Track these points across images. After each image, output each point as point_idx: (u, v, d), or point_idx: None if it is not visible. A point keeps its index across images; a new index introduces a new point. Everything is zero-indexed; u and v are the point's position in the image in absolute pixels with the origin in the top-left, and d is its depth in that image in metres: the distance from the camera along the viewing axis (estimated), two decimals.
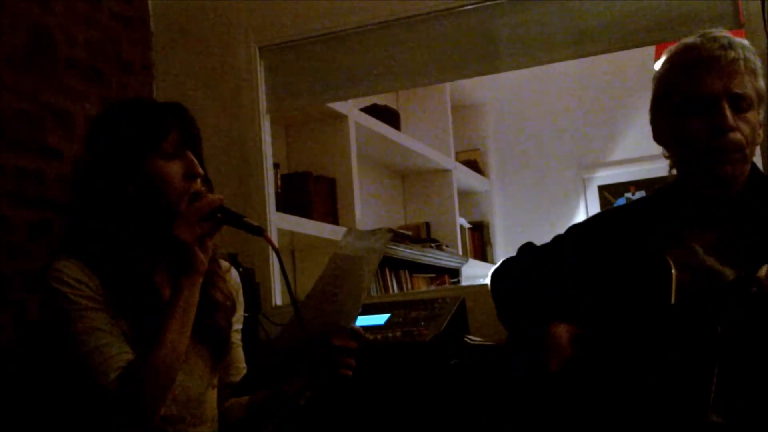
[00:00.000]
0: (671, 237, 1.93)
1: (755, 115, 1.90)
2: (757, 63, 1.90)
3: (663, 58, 2.00)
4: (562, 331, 1.91)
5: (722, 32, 1.95)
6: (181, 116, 1.88)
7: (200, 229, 1.76)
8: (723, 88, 1.87)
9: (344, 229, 4.03)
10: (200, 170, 1.84)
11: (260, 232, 1.77)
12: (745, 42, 1.92)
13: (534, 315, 2.00)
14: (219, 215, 1.78)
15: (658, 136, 2.01)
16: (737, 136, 1.86)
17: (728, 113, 1.86)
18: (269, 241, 1.78)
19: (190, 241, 1.74)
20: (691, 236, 1.92)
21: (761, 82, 1.90)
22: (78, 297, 1.76)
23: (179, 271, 1.76)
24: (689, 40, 1.95)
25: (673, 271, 1.79)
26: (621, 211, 2.17)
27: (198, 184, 1.84)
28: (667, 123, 1.96)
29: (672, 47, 1.98)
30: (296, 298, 1.76)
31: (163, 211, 1.79)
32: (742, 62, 1.87)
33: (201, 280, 1.77)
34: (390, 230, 4.32)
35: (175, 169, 1.82)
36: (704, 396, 1.66)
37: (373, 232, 1.87)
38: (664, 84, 1.98)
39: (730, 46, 1.89)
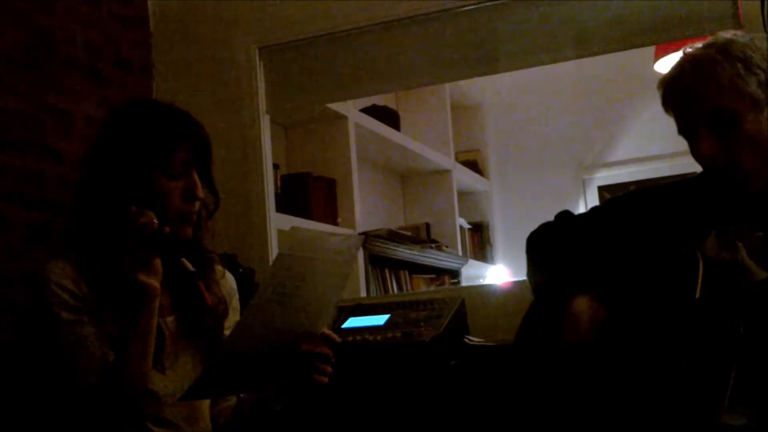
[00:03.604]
0: (717, 229, 1.87)
1: (755, 120, 1.81)
2: (731, 70, 1.80)
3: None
4: (583, 304, 1.87)
5: (696, 47, 1.88)
6: (192, 132, 1.88)
7: (139, 255, 1.76)
8: (691, 115, 1.85)
9: (345, 230, 4.05)
10: (200, 193, 1.85)
11: (194, 278, 1.82)
12: (710, 54, 1.84)
13: (559, 284, 1.97)
14: (156, 244, 1.77)
15: None
16: (724, 160, 1.82)
17: (703, 140, 1.82)
18: (204, 294, 1.81)
19: (133, 270, 1.75)
20: (739, 234, 1.85)
21: (751, 84, 1.80)
22: (61, 308, 1.77)
23: (136, 298, 1.77)
24: (666, 72, 1.92)
25: (701, 264, 1.75)
26: (666, 190, 2.08)
27: (196, 206, 1.86)
28: None
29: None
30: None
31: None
32: (700, 84, 1.82)
33: (156, 301, 1.78)
34: (386, 234, 4.32)
35: (176, 188, 1.83)
36: (719, 395, 1.64)
37: (332, 233, 1.85)
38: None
39: (687, 70, 1.85)
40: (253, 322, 1.68)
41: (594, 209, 2.20)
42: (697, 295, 1.73)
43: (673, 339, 1.73)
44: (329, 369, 1.82)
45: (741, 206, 1.88)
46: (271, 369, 1.80)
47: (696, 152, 1.87)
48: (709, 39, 1.89)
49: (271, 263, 1.68)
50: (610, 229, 2.05)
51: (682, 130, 1.91)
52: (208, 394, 1.92)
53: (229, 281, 2.06)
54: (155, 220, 1.77)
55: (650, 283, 1.83)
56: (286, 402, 1.90)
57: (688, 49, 1.90)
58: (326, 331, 1.82)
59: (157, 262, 1.78)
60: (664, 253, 1.86)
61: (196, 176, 1.86)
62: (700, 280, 1.74)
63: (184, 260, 1.80)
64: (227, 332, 2.00)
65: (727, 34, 1.89)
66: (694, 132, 1.85)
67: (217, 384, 1.77)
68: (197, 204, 1.86)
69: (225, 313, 1.99)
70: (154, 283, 1.77)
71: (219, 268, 2.01)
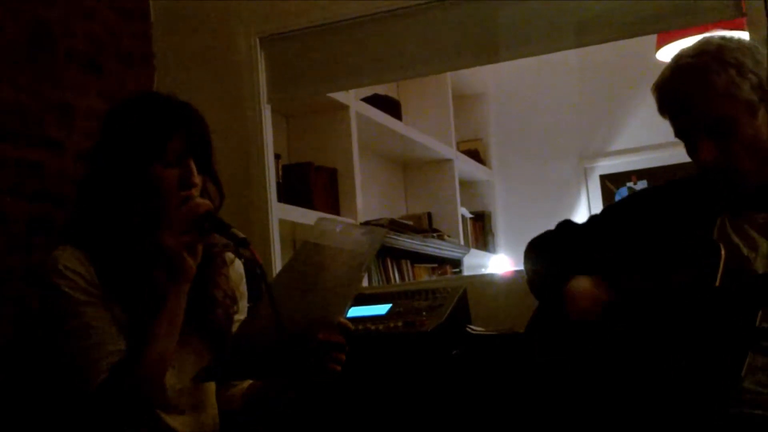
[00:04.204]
0: (721, 216, 1.92)
1: (751, 124, 1.85)
2: (725, 77, 1.83)
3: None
4: (584, 281, 1.92)
5: (687, 53, 1.91)
6: (187, 121, 1.88)
7: (188, 236, 1.77)
8: (689, 123, 1.88)
9: (345, 219, 4.05)
10: (196, 180, 1.85)
11: (246, 244, 1.77)
12: (704, 61, 1.86)
13: (558, 272, 2.02)
14: (206, 224, 1.79)
15: None
16: (723, 163, 1.86)
17: (702, 147, 1.86)
18: (254, 255, 1.76)
19: (176, 247, 1.76)
20: (743, 215, 1.91)
21: (744, 89, 1.84)
22: (73, 290, 1.77)
23: (168, 276, 1.77)
24: (662, 73, 1.95)
25: (723, 252, 1.78)
26: (662, 190, 2.13)
27: (194, 192, 1.85)
28: None
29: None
30: (277, 309, 1.71)
31: (155, 215, 1.80)
32: (701, 88, 1.85)
33: (188, 286, 1.79)
34: (388, 223, 4.33)
35: (172, 176, 1.83)
36: (732, 382, 1.67)
37: (357, 225, 1.86)
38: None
39: (683, 78, 1.88)
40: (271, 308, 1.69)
41: (593, 217, 2.22)
42: (718, 283, 1.76)
43: (689, 327, 1.75)
44: (343, 357, 1.84)
45: (742, 200, 1.91)
46: (286, 356, 1.81)
47: (695, 157, 1.91)
48: (700, 44, 1.92)
49: (294, 251, 1.70)
50: (612, 230, 2.08)
51: (679, 135, 1.94)
52: (223, 377, 1.93)
53: (236, 268, 2.08)
54: (210, 203, 1.80)
55: (667, 270, 1.85)
56: (295, 389, 1.91)
57: (681, 56, 1.93)
58: (342, 320, 1.83)
59: (200, 247, 1.80)
60: (681, 243, 1.88)
61: (192, 164, 1.86)
62: (721, 267, 1.77)
63: (235, 229, 1.79)
64: (236, 318, 2.02)
65: (717, 38, 1.91)
66: (692, 138, 1.89)
67: (232, 368, 1.78)
68: (193, 192, 1.86)
69: (233, 305, 2.00)
70: (193, 266, 1.78)
71: (229, 254, 2.02)
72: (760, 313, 1.69)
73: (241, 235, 1.78)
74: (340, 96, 4.04)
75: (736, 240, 1.86)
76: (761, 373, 1.75)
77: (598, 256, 2.00)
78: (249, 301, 2.10)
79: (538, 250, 2.20)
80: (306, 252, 1.71)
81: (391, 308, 2.64)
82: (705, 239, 1.85)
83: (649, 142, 5.38)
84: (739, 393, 1.71)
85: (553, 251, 2.14)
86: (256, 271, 1.77)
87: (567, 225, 2.23)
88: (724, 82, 1.83)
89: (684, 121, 1.90)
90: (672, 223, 1.96)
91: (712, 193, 1.94)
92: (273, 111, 3.39)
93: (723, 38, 1.90)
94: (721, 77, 1.83)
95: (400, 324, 2.53)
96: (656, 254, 1.91)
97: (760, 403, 1.73)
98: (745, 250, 1.85)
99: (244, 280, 2.09)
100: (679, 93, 1.89)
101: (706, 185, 1.95)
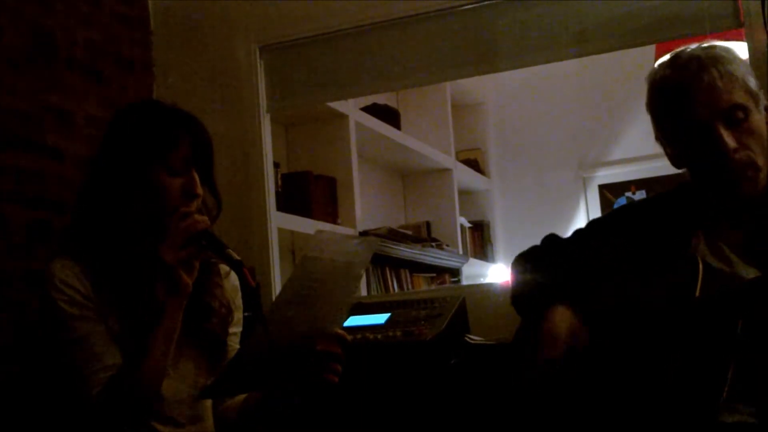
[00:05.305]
0: (696, 232, 1.91)
1: (758, 118, 1.84)
2: (739, 69, 1.84)
3: (646, 87, 1.96)
4: (559, 318, 1.90)
5: (692, 50, 1.90)
6: (193, 130, 1.88)
7: (184, 251, 1.77)
8: (710, 112, 1.82)
9: (343, 228, 4.05)
10: (199, 191, 1.85)
11: (240, 266, 1.77)
12: (717, 52, 1.86)
13: (536, 298, 2.00)
14: (203, 242, 1.78)
15: (669, 159, 1.99)
16: (743, 154, 1.82)
17: (725, 135, 1.81)
18: (247, 277, 1.75)
19: (173, 263, 1.76)
20: (718, 234, 1.90)
21: (752, 83, 1.84)
22: (69, 305, 1.78)
23: (165, 290, 1.77)
24: (662, 70, 1.92)
25: (701, 264, 1.79)
26: (643, 204, 2.13)
27: (194, 205, 1.85)
28: (671, 149, 1.96)
29: (649, 75, 1.95)
30: (264, 319, 1.70)
31: (155, 223, 1.80)
32: (718, 80, 1.82)
33: (185, 301, 1.79)
34: (387, 232, 4.33)
35: (175, 185, 1.83)
36: (716, 393, 1.67)
37: (353, 237, 1.86)
38: (653, 114, 1.96)
39: (702, 67, 1.84)
40: (272, 321, 1.69)
41: (577, 231, 2.21)
42: (698, 294, 1.76)
43: (672, 339, 1.75)
44: (340, 368, 1.84)
45: (727, 209, 1.91)
46: (285, 367, 1.81)
47: (712, 148, 1.83)
48: (701, 45, 1.91)
49: (295, 265, 1.70)
50: (595, 246, 2.08)
51: (689, 130, 1.86)
52: (222, 393, 1.92)
53: (231, 280, 2.07)
54: (208, 221, 1.80)
55: (648, 282, 1.85)
56: (293, 400, 1.91)
57: (683, 51, 1.90)
58: (339, 331, 1.83)
59: (197, 263, 1.80)
60: (662, 257, 1.88)
61: (195, 174, 1.86)
62: (700, 278, 1.77)
63: (230, 250, 1.79)
64: (232, 331, 2.01)
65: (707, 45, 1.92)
66: (707, 131, 1.83)
67: (236, 382, 1.78)
68: (195, 203, 1.86)
69: (228, 315, 2.00)
70: (189, 282, 1.78)
71: (223, 267, 2.01)
72: (740, 322, 1.69)
73: (236, 256, 1.77)
74: (339, 105, 4.05)
75: (711, 258, 1.86)
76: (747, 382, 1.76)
77: (578, 273, 1.99)
78: (244, 311, 2.10)
79: (521, 267, 2.18)
80: (305, 266, 1.71)
81: (389, 317, 2.64)
82: (683, 253, 1.85)
83: (648, 151, 5.34)
84: (725, 402, 1.71)
85: (535, 269, 2.11)
86: (249, 287, 1.77)
87: (552, 240, 2.20)
88: (741, 72, 1.83)
89: (694, 113, 1.83)
90: (651, 238, 1.94)
91: (690, 207, 1.94)
92: (272, 120, 3.39)
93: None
94: (739, 66, 1.84)
95: (398, 333, 2.53)
96: (635, 270, 1.91)
97: (743, 411, 1.73)
98: (718, 265, 1.85)
99: (240, 293, 2.09)
100: (691, 81, 1.84)
101: (685, 199, 1.96)
